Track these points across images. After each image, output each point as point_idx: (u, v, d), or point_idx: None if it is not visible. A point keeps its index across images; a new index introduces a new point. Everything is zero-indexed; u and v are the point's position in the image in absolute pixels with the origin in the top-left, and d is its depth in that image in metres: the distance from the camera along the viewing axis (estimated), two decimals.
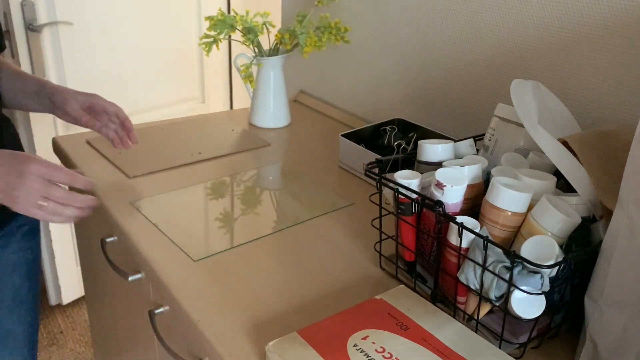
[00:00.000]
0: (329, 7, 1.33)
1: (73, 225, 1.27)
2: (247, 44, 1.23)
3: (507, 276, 0.58)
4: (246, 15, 1.21)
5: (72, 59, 1.78)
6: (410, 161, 0.81)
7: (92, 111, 0.95)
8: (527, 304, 0.58)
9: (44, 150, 1.73)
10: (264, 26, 1.22)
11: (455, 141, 0.79)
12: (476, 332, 0.66)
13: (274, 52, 1.28)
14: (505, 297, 0.59)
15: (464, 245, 0.63)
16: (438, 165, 0.73)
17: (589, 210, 0.64)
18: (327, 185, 1.04)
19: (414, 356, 0.57)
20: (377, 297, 0.66)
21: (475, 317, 0.64)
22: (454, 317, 0.68)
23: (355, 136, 1.10)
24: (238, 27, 1.21)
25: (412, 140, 1.08)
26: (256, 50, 1.27)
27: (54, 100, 0.93)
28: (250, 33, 1.20)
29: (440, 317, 0.63)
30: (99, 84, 1.86)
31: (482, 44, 1.04)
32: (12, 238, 0.96)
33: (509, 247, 0.63)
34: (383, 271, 0.80)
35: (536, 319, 0.59)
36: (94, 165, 1.07)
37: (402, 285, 0.69)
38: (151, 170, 1.06)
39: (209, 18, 1.19)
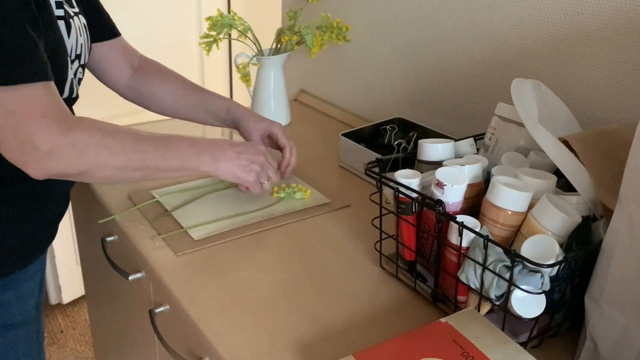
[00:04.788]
0: (319, 2, 1.33)
1: (73, 224, 1.27)
2: (241, 38, 1.22)
3: (507, 275, 0.58)
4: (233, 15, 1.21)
5: None
6: (411, 160, 0.81)
7: (269, 137, 1.00)
8: (528, 303, 0.58)
9: None
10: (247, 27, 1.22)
11: (456, 140, 0.79)
12: None
13: (274, 51, 1.28)
14: (506, 296, 0.59)
15: (464, 244, 0.63)
16: (438, 164, 0.73)
17: (589, 210, 0.64)
18: (327, 184, 1.04)
19: None
20: (443, 320, 0.59)
21: None
22: None
23: (355, 135, 1.10)
24: (238, 27, 1.21)
25: (413, 140, 1.08)
26: (257, 49, 1.27)
27: (239, 126, 0.99)
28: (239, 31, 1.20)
29: (512, 349, 0.55)
30: (98, 82, 1.86)
31: (483, 43, 1.04)
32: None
33: (509, 247, 0.63)
34: (383, 270, 0.80)
35: (536, 318, 0.60)
36: None
37: (471, 308, 0.62)
38: None
39: (209, 19, 1.19)
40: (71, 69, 0.81)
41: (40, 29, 0.68)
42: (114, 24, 0.99)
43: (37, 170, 0.66)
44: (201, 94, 1.01)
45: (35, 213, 0.81)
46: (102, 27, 0.96)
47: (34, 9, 0.67)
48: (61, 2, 0.78)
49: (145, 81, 1.01)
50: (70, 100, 0.84)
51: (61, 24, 0.77)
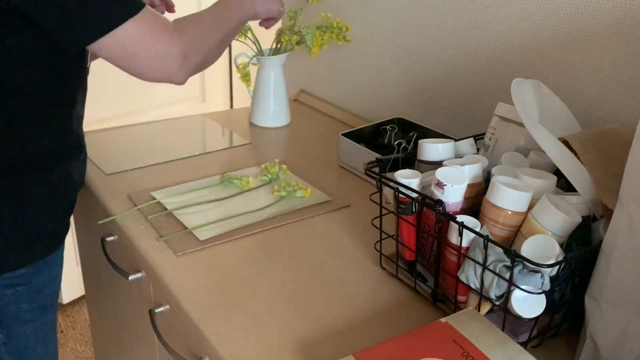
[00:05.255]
0: (319, 2, 1.33)
1: (73, 224, 1.27)
2: (241, 38, 1.22)
3: (507, 275, 0.58)
4: None
5: None
6: (411, 160, 0.81)
7: None
8: (528, 303, 0.58)
9: None
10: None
11: (456, 140, 0.79)
12: None
13: (274, 51, 1.28)
14: (506, 296, 0.59)
15: (464, 244, 0.63)
16: (438, 164, 0.73)
17: (589, 210, 0.64)
18: (327, 184, 1.04)
19: None
20: (443, 320, 0.59)
21: None
22: None
23: (355, 135, 1.10)
24: None
25: (413, 140, 1.08)
26: (257, 49, 1.27)
27: None
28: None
29: (512, 349, 0.55)
30: (98, 83, 1.86)
31: (483, 43, 1.04)
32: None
33: (510, 247, 0.63)
34: (383, 270, 0.80)
35: (536, 318, 0.60)
36: (92, 165, 1.07)
37: (471, 308, 0.62)
38: (152, 163, 1.07)
39: None
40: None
41: None
42: None
43: (182, 74, 0.77)
44: None
45: (62, 197, 0.84)
46: None
47: None
48: None
49: None
50: (84, 91, 0.86)
51: None
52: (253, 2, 0.93)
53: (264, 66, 1.28)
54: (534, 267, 0.56)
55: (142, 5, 0.72)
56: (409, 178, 0.69)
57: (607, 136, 0.69)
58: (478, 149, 0.81)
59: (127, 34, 0.70)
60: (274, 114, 1.31)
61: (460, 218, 0.62)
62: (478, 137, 0.82)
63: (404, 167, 0.74)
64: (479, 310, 0.63)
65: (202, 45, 0.80)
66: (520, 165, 0.72)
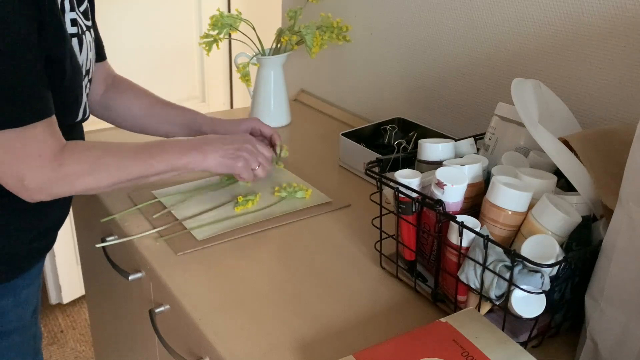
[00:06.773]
0: (319, 2, 1.33)
1: (73, 224, 1.27)
2: (242, 33, 1.22)
3: (507, 275, 0.58)
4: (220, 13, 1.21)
5: None
6: (411, 160, 0.81)
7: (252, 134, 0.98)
8: (528, 303, 0.58)
9: None
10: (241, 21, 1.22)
11: (456, 140, 0.79)
12: None
13: (274, 51, 1.28)
14: (506, 296, 0.59)
15: (464, 244, 0.63)
16: (438, 164, 0.73)
17: (589, 210, 0.64)
18: (328, 184, 1.04)
19: None
20: (443, 320, 0.59)
21: None
22: None
23: (355, 135, 1.10)
24: (238, 27, 1.21)
25: (413, 140, 1.08)
26: (259, 49, 1.27)
27: (215, 132, 0.97)
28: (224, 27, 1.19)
29: (512, 349, 0.55)
30: None
31: (483, 43, 1.04)
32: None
33: (510, 246, 0.63)
34: (383, 270, 0.80)
35: (536, 318, 0.60)
36: None
37: (471, 308, 0.62)
38: None
39: (213, 17, 1.19)
40: (85, 90, 0.80)
41: (44, 62, 0.68)
42: (103, 46, 0.99)
43: (31, 200, 0.71)
44: (173, 108, 1.00)
45: (35, 222, 0.81)
46: (97, 49, 0.95)
47: (44, 41, 0.67)
48: (75, 19, 0.77)
49: (117, 98, 1.00)
50: (83, 121, 0.83)
51: (74, 41, 0.76)
52: (203, 154, 0.81)
53: (264, 66, 1.28)
54: (534, 267, 0.56)
55: (41, 116, 0.68)
56: (409, 178, 0.69)
57: (607, 136, 0.69)
58: (478, 149, 0.81)
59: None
60: (274, 113, 1.31)
61: (460, 218, 0.62)
62: (478, 137, 0.82)
63: (404, 167, 0.74)
64: (479, 310, 0.63)
65: (78, 185, 0.73)
66: (520, 165, 0.72)
